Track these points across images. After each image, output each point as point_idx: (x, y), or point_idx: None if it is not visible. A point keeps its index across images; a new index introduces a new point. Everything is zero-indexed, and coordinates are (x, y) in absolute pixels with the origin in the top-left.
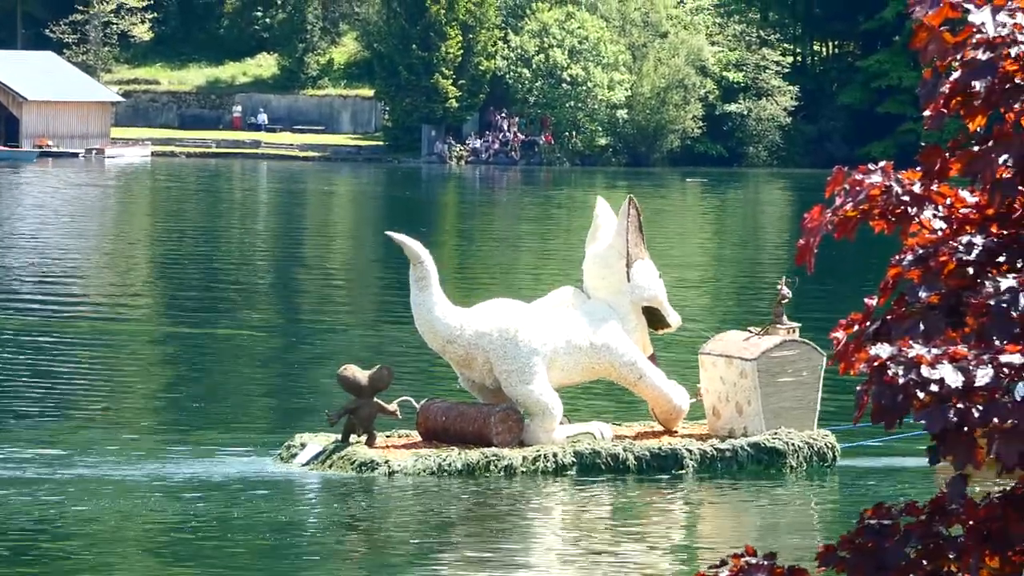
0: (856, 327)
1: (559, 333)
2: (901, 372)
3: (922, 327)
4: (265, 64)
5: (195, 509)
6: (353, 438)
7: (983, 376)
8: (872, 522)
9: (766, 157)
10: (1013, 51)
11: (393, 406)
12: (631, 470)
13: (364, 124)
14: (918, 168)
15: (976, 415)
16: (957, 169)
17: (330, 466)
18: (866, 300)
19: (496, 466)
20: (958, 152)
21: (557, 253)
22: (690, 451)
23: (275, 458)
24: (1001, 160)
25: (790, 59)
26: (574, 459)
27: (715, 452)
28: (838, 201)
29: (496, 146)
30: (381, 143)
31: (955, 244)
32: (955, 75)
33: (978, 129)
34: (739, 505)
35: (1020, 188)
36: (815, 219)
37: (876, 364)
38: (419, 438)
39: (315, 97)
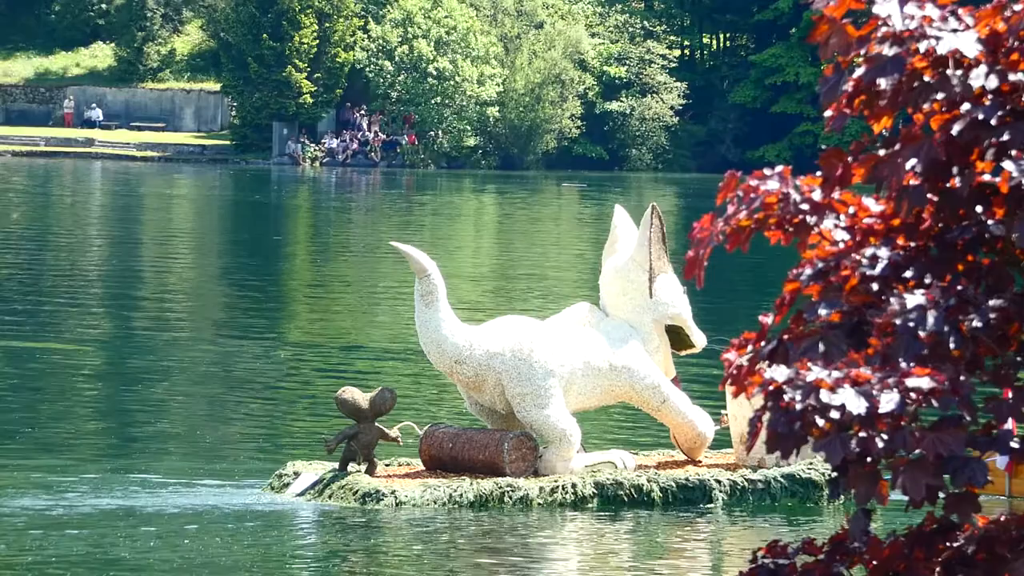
0: (750, 347)
1: (576, 353)
2: (799, 397)
3: (822, 348)
4: (100, 54)
5: (179, 545)
6: (352, 466)
7: (888, 402)
8: (766, 561)
9: (651, 160)
10: (922, 46)
11: (395, 432)
12: (656, 503)
13: (209, 121)
14: (818, 174)
15: (880, 444)
16: (860, 175)
17: (329, 497)
18: (761, 318)
19: (511, 497)
20: (861, 156)
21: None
22: (719, 482)
23: (264, 488)
24: (908, 166)
25: (677, 52)
26: (595, 490)
27: (746, 483)
28: (730, 209)
29: (354, 146)
30: (228, 142)
31: (858, 257)
32: (859, 72)
33: (883, 131)
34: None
35: (929, 196)
36: (705, 229)
37: (771, 388)
38: (421, 466)
39: (155, 91)
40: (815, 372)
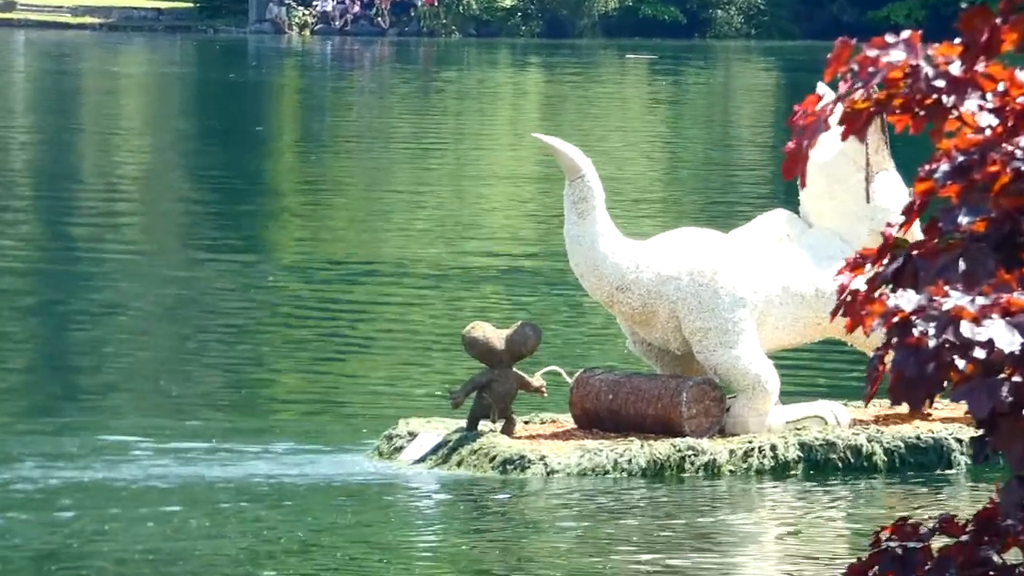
0: (869, 267)
1: (773, 276)
2: (932, 331)
3: (963, 266)
4: None
5: (282, 523)
6: (483, 424)
7: None
8: (892, 545)
9: (741, 24)
10: None
11: (538, 379)
12: (879, 468)
13: None
14: (957, 40)
15: None
16: (1012, 41)
17: (458, 464)
18: (883, 229)
19: (693, 463)
20: (1014, 17)
21: (465, 174)
22: (960, 441)
23: (371, 453)
24: None
25: None
26: (800, 453)
27: None
28: (843, 87)
29: (356, 9)
30: (190, 5)
31: (1010, 148)
32: None
33: None
34: None
35: None
36: (810, 113)
37: (897, 320)
38: (572, 423)
39: None
40: (954, 298)
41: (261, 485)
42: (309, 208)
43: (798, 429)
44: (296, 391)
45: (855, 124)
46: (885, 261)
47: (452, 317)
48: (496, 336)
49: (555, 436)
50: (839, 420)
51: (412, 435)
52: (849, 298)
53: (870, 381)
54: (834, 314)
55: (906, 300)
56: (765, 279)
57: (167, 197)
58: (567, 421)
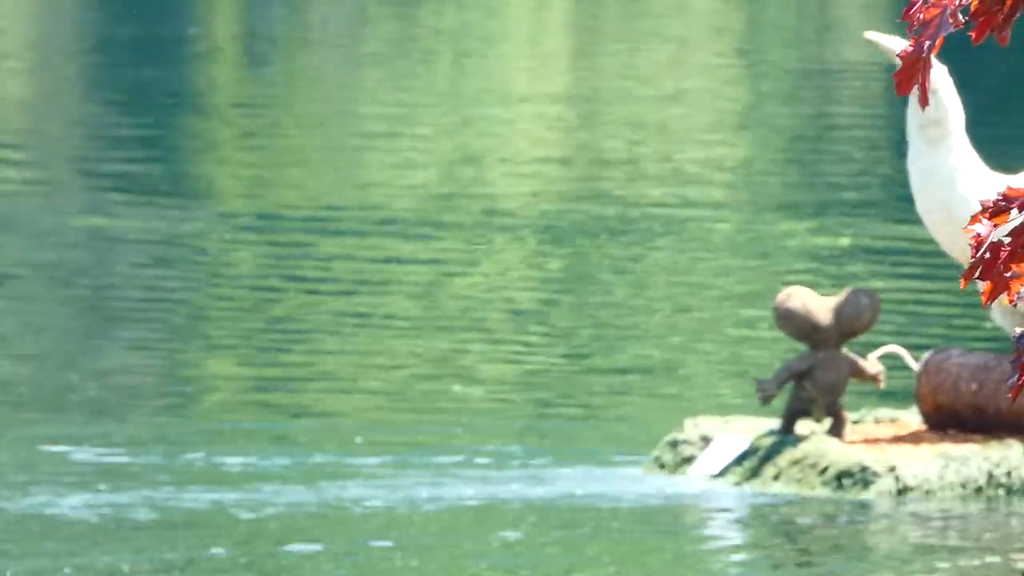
0: (1016, 212)
1: None
2: None
3: None
4: None
5: (547, 550)
6: (804, 427)
7: None
8: None
9: None
10: None
11: (874, 365)
12: None
13: None
14: None
15: None
16: None
17: (774, 478)
18: None
19: None
20: None
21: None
22: None
23: (649, 464)
24: None
25: None
26: None
27: None
28: None
29: None
30: None
31: None
32: None
33: None
34: None
35: None
36: (932, 4)
37: None
38: (920, 423)
39: None
40: None
41: (514, 504)
42: (255, 138)
43: None
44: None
45: (991, 21)
46: None
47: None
48: (821, 307)
49: (899, 440)
50: None
51: (705, 440)
52: (987, 256)
53: (1020, 368)
54: (968, 276)
55: None
56: None
57: (62, 123)
58: (912, 420)
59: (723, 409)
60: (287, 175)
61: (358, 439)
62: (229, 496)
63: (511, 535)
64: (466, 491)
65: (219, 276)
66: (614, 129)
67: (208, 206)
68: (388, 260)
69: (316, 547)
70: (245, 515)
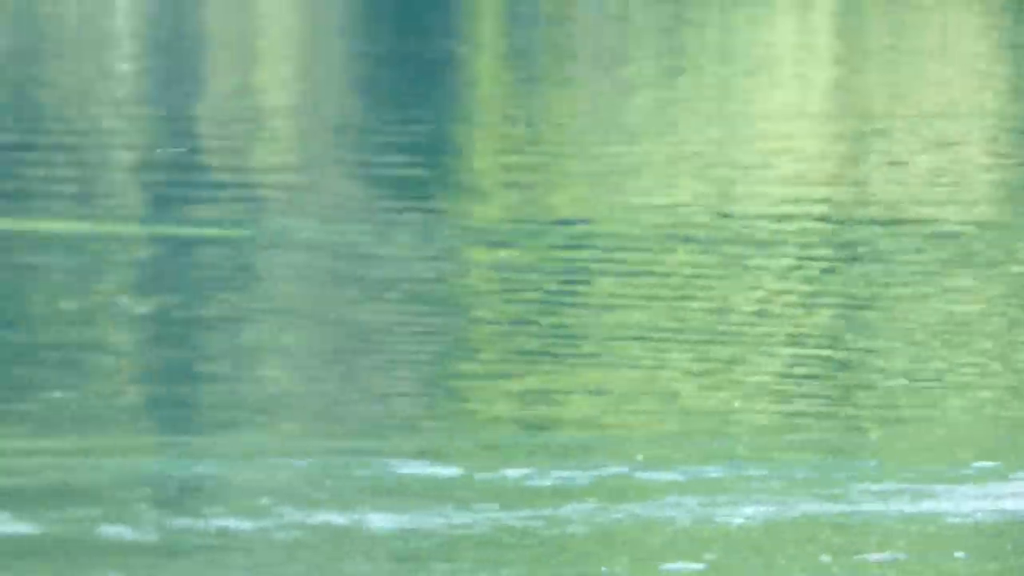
0: None
1: None
2: None
3: None
4: None
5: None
6: None
7: None
8: None
9: None
10: None
11: None
12: None
13: None
14: None
15: None
16: None
17: None
18: None
19: None
20: None
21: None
22: None
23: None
24: None
25: None
26: None
27: None
28: None
29: None
30: None
31: None
32: None
33: None
34: None
35: None
36: None
37: None
38: None
39: None
40: None
41: (803, 521)
42: (520, 153)
43: None
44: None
45: None
46: None
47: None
48: None
49: None
50: None
51: None
52: None
53: None
54: None
55: None
56: None
57: (328, 138)
58: None
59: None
60: (552, 189)
61: (639, 456)
62: (519, 513)
63: (825, 557)
64: (760, 509)
65: (486, 288)
66: (884, 143)
67: (472, 218)
68: (659, 273)
69: (618, 568)
70: (545, 532)
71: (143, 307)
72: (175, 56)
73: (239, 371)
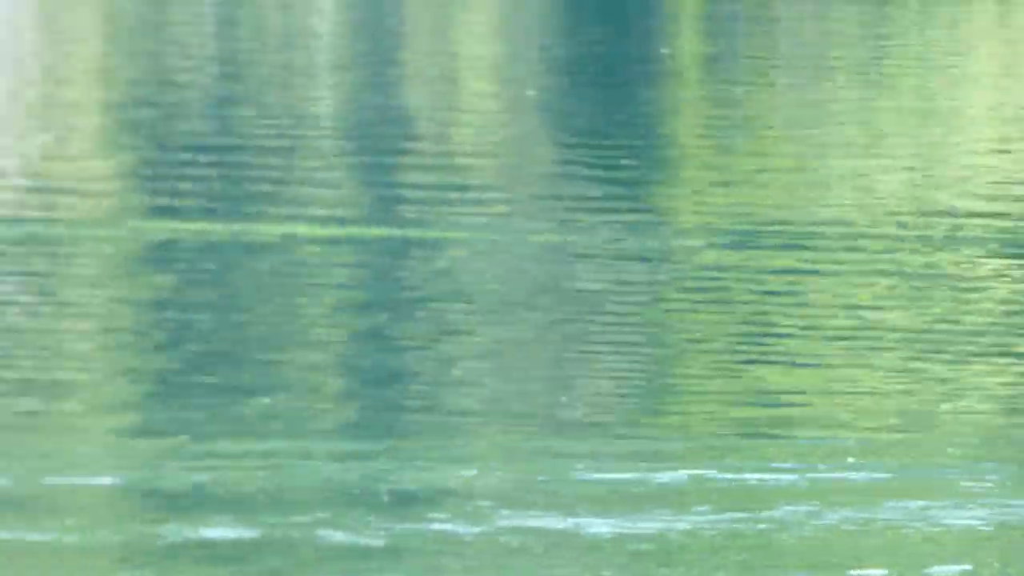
0: None
1: None
2: None
3: None
4: None
5: None
6: None
7: None
8: None
9: None
10: None
11: None
12: None
13: None
14: None
15: None
16: None
17: None
18: None
19: None
20: None
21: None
22: None
23: None
24: None
25: None
26: None
27: None
28: None
29: None
30: None
31: None
32: None
33: None
34: None
35: None
36: None
37: None
38: None
39: None
40: None
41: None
42: (724, 155)
43: None
44: None
45: None
46: None
47: None
48: None
49: None
50: None
51: None
52: None
53: None
54: None
55: None
56: None
57: (535, 138)
58: None
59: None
60: (754, 191)
61: (850, 459)
62: (735, 515)
63: None
64: (986, 513)
65: (699, 288)
66: None
67: (675, 222)
68: (875, 273)
69: (880, 572)
70: (764, 534)
71: (355, 312)
72: (380, 58)
73: (450, 376)
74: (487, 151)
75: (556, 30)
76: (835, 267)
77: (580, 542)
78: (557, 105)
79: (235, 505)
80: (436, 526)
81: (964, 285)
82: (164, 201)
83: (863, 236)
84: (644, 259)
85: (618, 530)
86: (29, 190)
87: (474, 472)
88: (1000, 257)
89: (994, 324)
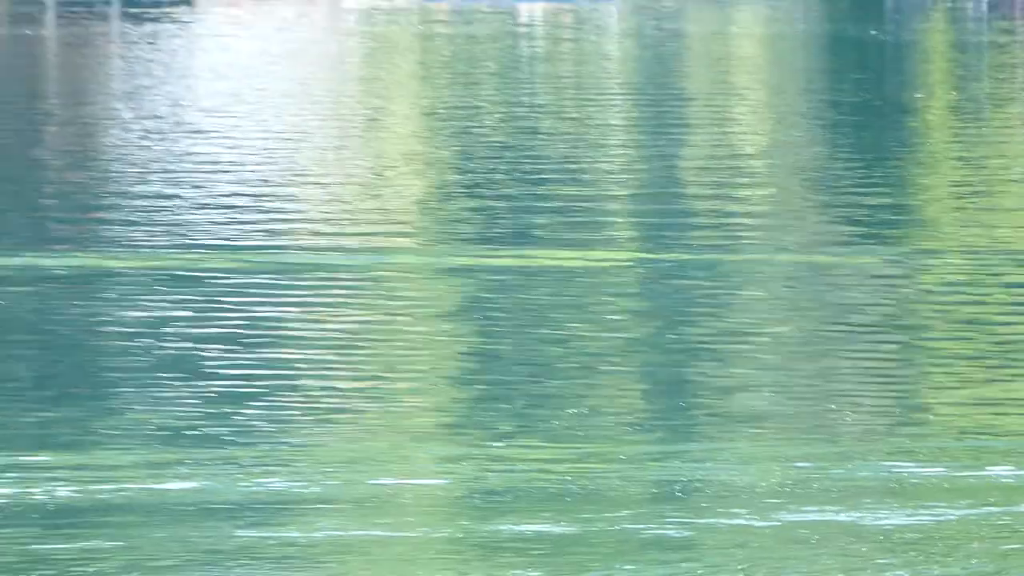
0: None
1: None
2: None
3: None
4: None
5: None
6: None
7: None
8: None
9: None
10: None
11: None
12: None
13: None
14: None
15: None
16: None
17: None
18: None
19: None
20: None
21: None
22: None
23: None
24: None
25: None
26: None
27: None
28: None
29: None
30: None
31: None
32: None
33: None
34: None
35: None
36: None
37: None
38: None
39: None
40: None
41: None
42: (968, 187)
43: None
44: None
45: None
46: None
47: None
48: None
49: None
50: None
51: None
52: None
53: None
54: None
55: None
56: None
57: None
58: None
59: None
60: (1003, 221)
61: None
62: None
63: None
64: None
65: (939, 311)
66: None
67: (928, 249)
68: None
69: None
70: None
71: (638, 328)
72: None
73: (728, 382)
74: (754, 186)
75: (808, 78)
76: None
77: (870, 534)
78: (819, 146)
79: (555, 503)
80: (732, 521)
81: None
82: None
83: None
84: (894, 285)
85: (894, 522)
86: None
87: (756, 471)
88: None
89: None
